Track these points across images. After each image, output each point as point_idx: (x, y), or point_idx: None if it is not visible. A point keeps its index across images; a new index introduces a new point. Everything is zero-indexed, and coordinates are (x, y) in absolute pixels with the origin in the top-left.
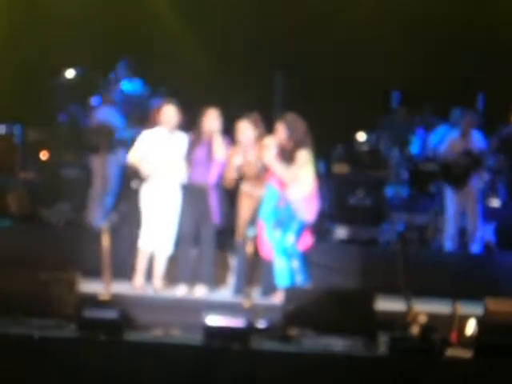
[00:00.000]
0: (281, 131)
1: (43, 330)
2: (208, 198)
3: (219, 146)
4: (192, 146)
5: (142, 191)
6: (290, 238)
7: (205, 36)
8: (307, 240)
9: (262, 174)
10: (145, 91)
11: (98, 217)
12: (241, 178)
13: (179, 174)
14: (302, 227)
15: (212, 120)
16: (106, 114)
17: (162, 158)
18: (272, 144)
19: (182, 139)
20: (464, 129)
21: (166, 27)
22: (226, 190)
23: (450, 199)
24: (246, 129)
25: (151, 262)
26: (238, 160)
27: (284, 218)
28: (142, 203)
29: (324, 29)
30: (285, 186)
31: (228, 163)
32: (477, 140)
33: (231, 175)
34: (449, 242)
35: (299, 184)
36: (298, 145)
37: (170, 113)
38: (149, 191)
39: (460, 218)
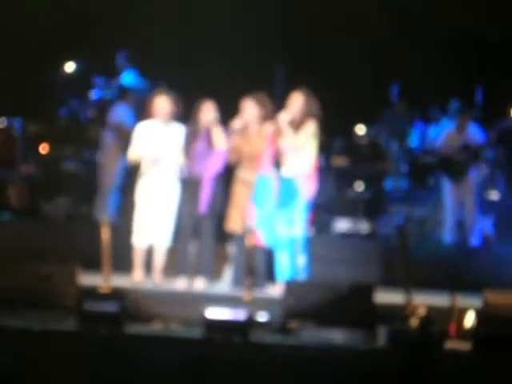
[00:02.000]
0: (295, 102)
1: (43, 323)
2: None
3: (219, 135)
4: (190, 139)
5: (138, 185)
6: (298, 229)
7: (205, 28)
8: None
9: (259, 154)
10: (145, 84)
11: (104, 211)
12: (237, 161)
13: (176, 165)
14: (305, 213)
15: (208, 113)
16: (121, 114)
17: (158, 150)
18: (286, 114)
19: (179, 130)
20: (460, 122)
21: (166, 19)
22: (224, 180)
23: (448, 192)
24: (250, 106)
25: (150, 255)
26: (238, 124)
27: (283, 199)
28: (138, 197)
29: (325, 22)
30: (281, 161)
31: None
32: (474, 133)
33: (233, 157)
34: (447, 235)
35: (300, 158)
36: (307, 115)
37: (161, 103)
38: (146, 184)
39: (458, 211)
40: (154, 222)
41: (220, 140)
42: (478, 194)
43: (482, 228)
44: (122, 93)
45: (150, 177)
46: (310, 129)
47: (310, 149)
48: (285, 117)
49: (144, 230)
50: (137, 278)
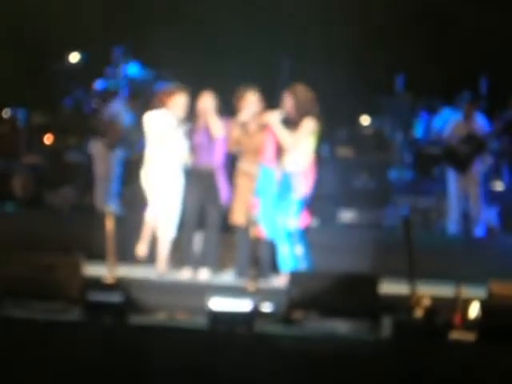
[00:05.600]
0: (287, 100)
1: (47, 314)
2: (213, 180)
3: (215, 122)
4: (191, 131)
5: (142, 174)
6: (292, 221)
7: (209, 20)
8: (305, 219)
9: (261, 147)
10: (147, 75)
11: (104, 201)
12: (239, 153)
13: (180, 157)
14: (300, 207)
15: (204, 102)
16: (117, 110)
17: (162, 140)
18: (277, 112)
19: (184, 124)
20: (466, 112)
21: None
22: (229, 171)
23: (452, 183)
24: (254, 100)
25: (155, 247)
26: (237, 132)
27: (281, 193)
28: (144, 183)
29: (329, 13)
30: (282, 155)
31: (229, 135)
32: (480, 123)
33: (232, 148)
34: (452, 226)
35: (298, 154)
36: (303, 114)
37: (181, 101)
38: (149, 174)
39: (463, 202)
40: (159, 207)
41: (216, 127)
42: (482, 184)
43: (486, 218)
44: (127, 84)
45: (153, 167)
46: (308, 127)
47: (308, 146)
48: (275, 116)
49: (154, 210)
50: (140, 252)
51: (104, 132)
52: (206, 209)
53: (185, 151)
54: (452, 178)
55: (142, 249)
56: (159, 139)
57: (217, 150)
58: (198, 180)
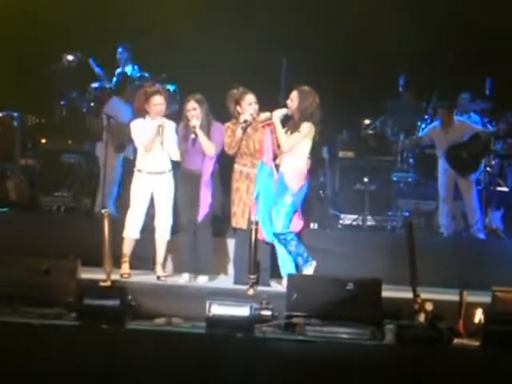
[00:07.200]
0: (293, 99)
1: (43, 319)
2: (201, 183)
3: (205, 142)
4: (183, 136)
5: (133, 179)
6: (279, 223)
7: (209, 20)
8: (299, 223)
9: (259, 147)
10: (146, 77)
11: (105, 204)
12: (236, 154)
13: (168, 160)
14: (293, 209)
15: (192, 111)
16: (116, 108)
17: (151, 145)
18: (281, 110)
19: (170, 126)
20: (443, 117)
21: (168, 12)
22: (221, 178)
23: (442, 183)
24: (254, 102)
25: (153, 250)
26: (239, 133)
27: (276, 195)
28: (132, 191)
29: (331, 13)
30: (279, 155)
31: (228, 137)
32: (459, 128)
33: (231, 151)
34: (443, 221)
35: (294, 156)
36: (304, 117)
37: (157, 101)
38: (139, 179)
39: (454, 203)
40: (142, 216)
41: (207, 147)
42: (474, 185)
43: (491, 221)
44: (122, 81)
45: (143, 171)
46: (306, 130)
47: (304, 148)
48: (279, 112)
49: (135, 223)
50: (124, 271)
51: (112, 136)
52: (196, 212)
53: (174, 149)
54: (442, 178)
55: (124, 268)
56: (145, 147)
57: (208, 162)
58: (188, 183)
